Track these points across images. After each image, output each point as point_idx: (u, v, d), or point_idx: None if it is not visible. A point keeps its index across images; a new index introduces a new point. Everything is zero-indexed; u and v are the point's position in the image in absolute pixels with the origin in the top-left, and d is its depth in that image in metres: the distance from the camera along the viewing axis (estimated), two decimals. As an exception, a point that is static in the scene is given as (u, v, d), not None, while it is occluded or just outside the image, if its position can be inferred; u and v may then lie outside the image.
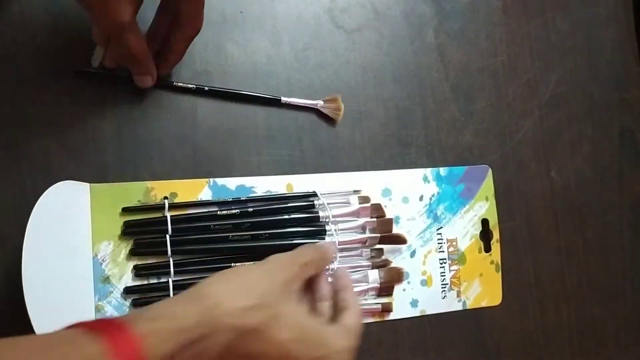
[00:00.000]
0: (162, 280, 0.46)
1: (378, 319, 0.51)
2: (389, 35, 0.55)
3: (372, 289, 0.50)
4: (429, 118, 0.55)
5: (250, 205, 0.48)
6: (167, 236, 0.46)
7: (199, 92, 0.49)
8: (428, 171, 0.54)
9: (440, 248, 0.53)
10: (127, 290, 0.45)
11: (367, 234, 0.50)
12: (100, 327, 0.29)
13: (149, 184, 0.47)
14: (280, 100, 0.51)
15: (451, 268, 0.53)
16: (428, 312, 0.52)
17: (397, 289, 0.51)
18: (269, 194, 0.49)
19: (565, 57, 0.60)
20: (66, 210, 0.44)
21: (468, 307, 0.53)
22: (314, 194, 0.50)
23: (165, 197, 0.47)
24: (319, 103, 0.52)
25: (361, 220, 0.51)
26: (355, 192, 0.51)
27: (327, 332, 0.39)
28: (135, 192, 0.46)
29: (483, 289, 0.54)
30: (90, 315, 0.44)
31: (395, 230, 0.52)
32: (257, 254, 0.45)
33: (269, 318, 0.36)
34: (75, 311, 0.44)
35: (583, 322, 0.57)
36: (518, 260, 0.56)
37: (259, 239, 0.48)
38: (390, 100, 0.54)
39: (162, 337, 0.31)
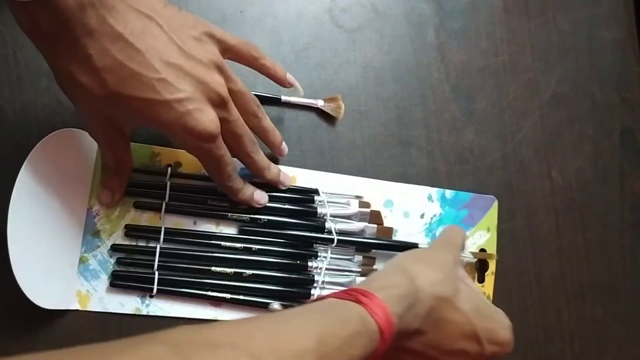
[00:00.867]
0: (150, 244, 0.47)
1: None
2: (390, 35, 0.55)
3: None
4: (430, 118, 0.55)
5: None
6: (164, 203, 0.47)
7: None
8: (434, 191, 0.54)
9: None
10: (114, 248, 0.46)
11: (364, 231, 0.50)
12: (354, 295, 0.37)
13: (156, 149, 0.48)
14: (281, 99, 0.51)
15: None
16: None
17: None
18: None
19: (566, 57, 0.60)
20: (71, 157, 0.45)
21: None
22: (316, 191, 0.50)
23: (169, 165, 0.47)
24: (319, 102, 0.52)
25: (361, 225, 0.51)
26: (358, 197, 0.51)
27: (493, 308, 0.45)
28: (142, 154, 0.47)
29: None
30: (73, 265, 0.44)
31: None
32: (256, 236, 0.48)
33: (455, 290, 0.42)
34: (58, 258, 0.44)
35: (583, 323, 0.57)
36: (518, 261, 0.56)
37: (257, 223, 0.48)
38: (390, 100, 0.54)
39: (394, 301, 0.37)
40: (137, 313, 0.46)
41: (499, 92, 0.57)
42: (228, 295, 0.47)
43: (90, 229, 0.46)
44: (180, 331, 0.29)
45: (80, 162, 0.45)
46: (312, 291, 0.48)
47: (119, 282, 0.45)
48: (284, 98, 0.51)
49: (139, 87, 0.37)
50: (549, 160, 0.58)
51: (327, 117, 0.52)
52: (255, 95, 0.50)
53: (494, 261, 0.54)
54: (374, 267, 0.51)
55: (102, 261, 0.46)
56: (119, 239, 0.46)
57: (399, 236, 0.52)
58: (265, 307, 0.47)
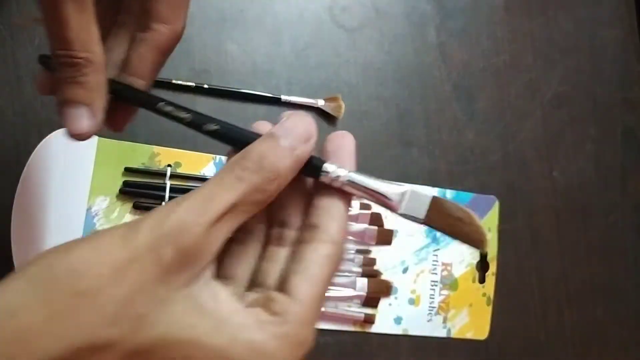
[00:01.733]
0: None
1: (358, 329, 0.50)
2: (390, 34, 0.55)
3: (358, 296, 0.49)
4: (431, 117, 0.55)
5: None
6: (163, 203, 0.46)
7: (198, 90, 0.49)
8: (435, 191, 0.53)
9: (434, 270, 0.52)
10: None
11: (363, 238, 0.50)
12: None
13: (156, 149, 0.47)
14: (281, 99, 0.51)
15: (441, 292, 0.52)
16: (411, 332, 0.51)
17: (383, 302, 0.50)
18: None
19: (568, 57, 0.60)
20: (71, 156, 0.45)
21: (452, 335, 0.52)
22: None
23: (169, 165, 0.47)
24: (320, 102, 0.52)
25: (361, 226, 0.50)
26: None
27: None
28: (141, 154, 0.47)
29: (470, 320, 0.53)
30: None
31: (393, 242, 0.51)
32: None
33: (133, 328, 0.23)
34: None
35: (585, 324, 0.57)
36: (520, 261, 0.56)
37: None
38: (391, 100, 0.54)
39: None
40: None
41: (500, 92, 0.57)
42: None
43: (89, 229, 0.46)
44: None
45: (79, 162, 0.45)
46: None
47: (118, 282, 0.45)
48: (284, 98, 0.51)
49: None
50: (550, 160, 0.58)
51: (328, 117, 0.52)
52: (255, 94, 0.50)
53: (495, 261, 0.54)
54: (374, 267, 0.51)
55: None
56: None
57: (399, 237, 0.52)
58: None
